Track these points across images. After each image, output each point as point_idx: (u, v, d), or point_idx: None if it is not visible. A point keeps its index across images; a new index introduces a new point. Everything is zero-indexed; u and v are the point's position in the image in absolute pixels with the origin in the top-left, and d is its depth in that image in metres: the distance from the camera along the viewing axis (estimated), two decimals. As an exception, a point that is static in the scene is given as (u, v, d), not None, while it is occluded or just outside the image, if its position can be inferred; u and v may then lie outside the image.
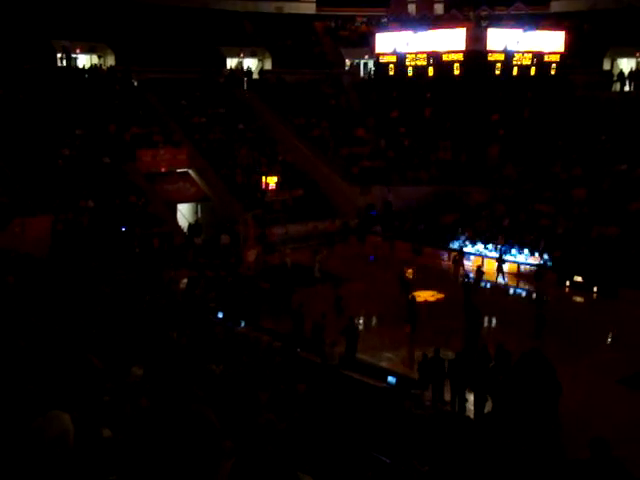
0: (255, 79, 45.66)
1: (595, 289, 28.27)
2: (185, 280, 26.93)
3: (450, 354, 18.64)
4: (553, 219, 33.42)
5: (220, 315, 23.00)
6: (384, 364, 20.50)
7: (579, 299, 28.34)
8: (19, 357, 8.69)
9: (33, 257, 24.98)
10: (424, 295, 27.36)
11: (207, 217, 36.85)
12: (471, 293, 25.21)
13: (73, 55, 41.15)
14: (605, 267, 28.59)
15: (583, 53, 41.84)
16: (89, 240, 29.90)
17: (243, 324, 22.09)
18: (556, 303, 26.13)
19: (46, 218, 29.86)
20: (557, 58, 38.26)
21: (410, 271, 28.14)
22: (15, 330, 11.09)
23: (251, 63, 47.08)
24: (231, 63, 46.35)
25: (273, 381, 14.74)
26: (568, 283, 29.12)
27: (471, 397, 17.66)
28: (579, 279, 28.89)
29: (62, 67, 40.25)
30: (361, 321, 25.14)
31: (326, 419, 12.46)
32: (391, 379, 17.99)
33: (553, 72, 38.34)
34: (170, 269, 28.25)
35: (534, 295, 26.31)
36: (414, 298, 24.15)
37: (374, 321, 26.09)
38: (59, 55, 40.28)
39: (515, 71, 37.48)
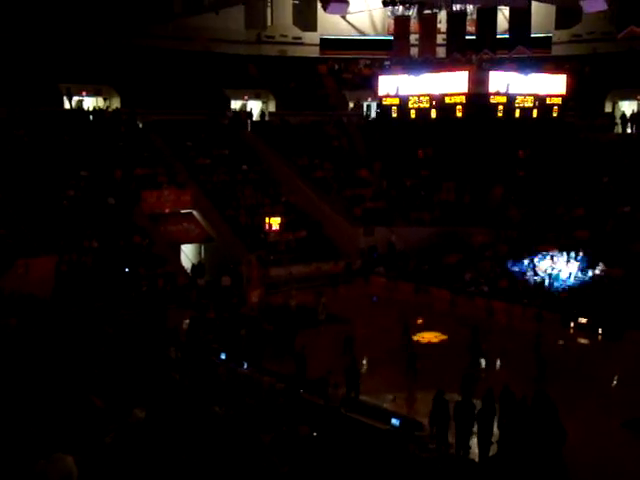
0: (259, 121, 46.14)
1: (600, 330, 28.15)
2: (187, 321, 26.88)
3: (455, 396, 18.50)
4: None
5: (223, 356, 22.96)
6: (387, 406, 20.33)
7: (584, 341, 28.21)
8: (22, 399, 8.73)
9: (36, 298, 25.06)
10: (427, 336, 27.30)
11: (210, 258, 36.94)
12: (479, 335, 25.03)
13: (79, 97, 41.63)
14: (610, 308, 28.53)
15: (584, 96, 42.29)
16: (93, 280, 30.04)
17: (246, 365, 21.98)
18: (560, 344, 26.09)
19: (50, 259, 29.99)
20: (559, 101, 38.55)
21: (419, 321, 28.29)
22: (17, 372, 11.15)
23: (255, 105, 47.61)
24: (235, 105, 46.89)
25: (276, 423, 14.75)
26: (572, 324, 29.02)
27: (475, 440, 17.56)
28: (584, 320, 28.79)
29: (68, 110, 40.72)
30: (364, 362, 25.00)
31: (329, 462, 12.41)
32: (395, 421, 17.90)
33: (555, 114, 38.64)
34: (172, 309, 28.38)
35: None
36: (413, 354, 23.97)
37: (377, 362, 25.88)
38: (65, 98, 40.79)
39: (517, 113, 37.76)
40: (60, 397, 10.06)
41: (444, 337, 27.72)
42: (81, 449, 5.99)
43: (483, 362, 24.40)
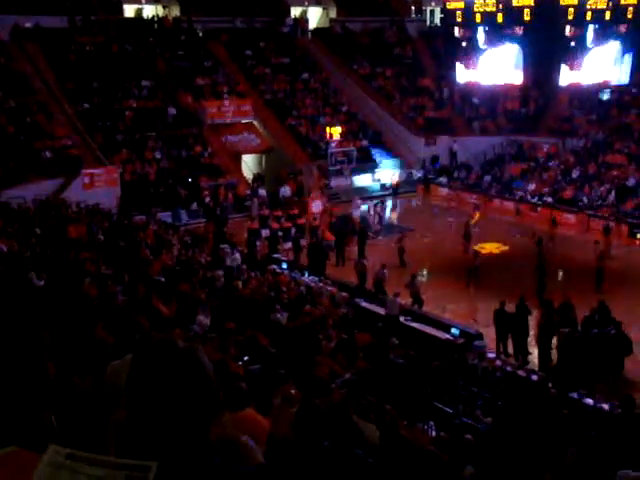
0: (319, 28, 45.26)
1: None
2: (248, 232, 27.19)
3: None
4: (624, 170, 32.59)
5: (284, 266, 23.26)
6: (447, 315, 20.45)
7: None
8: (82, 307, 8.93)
9: (101, 209, 25.59)
10: (489, 247, 27.15)
11: (271, 168, 37.00)
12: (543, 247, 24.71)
13: (138, 6, 41.42)
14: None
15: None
16: (156, 191, 30.54)
17: (307, 275, 22.26)
18: (627, 256, 25.71)
19: (114, 169, 30.47)
20: (634, 1, 36.68)
21: (477, 216, 27.94)
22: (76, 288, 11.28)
23: (315, 12, 46.66)
24: (295, 12, 46.02)
25: (337, 331, 15.00)
26: (640, 236, 28.52)
27: (535, 351, 17.62)
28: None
29: (128, 18, 40.62)
30: (424, 273, 25.07)
31: (389, 370, 12.61)
32: (454, 331, 18.05)
33: (630, 16, 36.84)
34: (233, 219, 28.79)
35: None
36: (477, 253, 24.02)
37: (437, 273, 25.91)
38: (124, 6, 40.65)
39: (589, 16, 36.20)
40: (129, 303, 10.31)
41: (505, 248, 27.53)
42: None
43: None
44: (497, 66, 37.90)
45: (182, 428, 1.84)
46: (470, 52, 39.74)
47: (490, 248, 27.21)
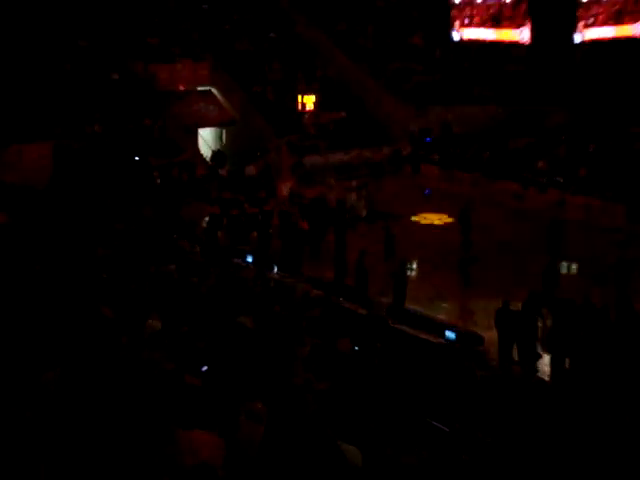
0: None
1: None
2: (207, 218, 27.27)
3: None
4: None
5: (249, 259, 23.29)
6: (441, 316, 20.54)
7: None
8: (22, 307, 8.91)
9: (31, 189, 25.38)
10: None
11: (233, 144, 36.96)
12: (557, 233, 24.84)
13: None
14: None
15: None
16: (96, 170, 30.24)
17: (276, 269, 22.28)
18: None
19: (46, 145, 30.18)
20: None
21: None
22: (14, 277, 11.33)
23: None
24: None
25: (312, 335, 14.97)
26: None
27: (546, 356, 17.70)
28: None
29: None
30: (414, 266, 25.20)
31: (373, 380, 12.62)
32: (450, 334, 18.15)
33: None
34: (189, 204, 28.71)
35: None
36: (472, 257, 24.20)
37: (428, 266, 26.06)
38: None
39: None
40: (64, 306, 10.24)
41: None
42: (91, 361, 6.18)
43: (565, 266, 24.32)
44: (499, 21, 37.99)
45: None
46: (467, 3, 39.76)
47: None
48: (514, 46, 39.96)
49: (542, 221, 26.17)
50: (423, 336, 18.26)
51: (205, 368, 9.54)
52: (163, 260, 19.65)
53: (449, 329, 18.43)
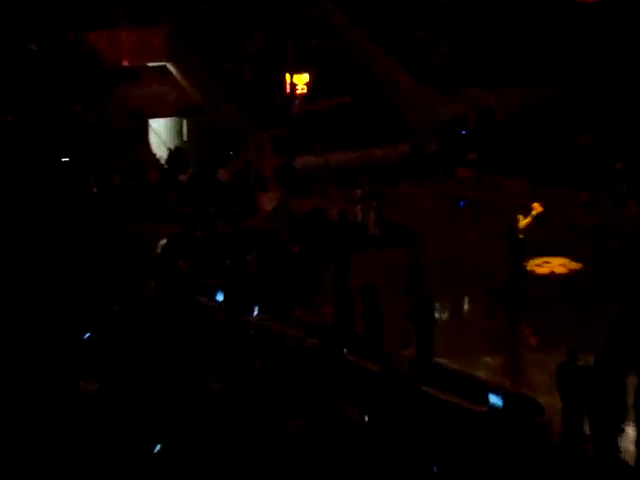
0: None
1: None
2: (162, 242, 27.30)
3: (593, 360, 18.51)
4: None
5: (220, 297, 23.35)
6: (482, 374, 20.49)
7: None
8: None
9: None
10: (551, 265, 27.27)
11: (197, 140, 37.17)
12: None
13: None
14: None
15: None
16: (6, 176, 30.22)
17: (257, 311, 22.35)
18: None
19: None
20: None
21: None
22: None
23: None
24: None
25: (306, 402, 14.93)
26: None
27: (630, 431, 17.56)
28: None
29: None
30: (444, 304, 25.33)
31: (388, 461, 12.59)
32: (495, 399, 18.11)
33: None
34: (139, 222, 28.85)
35: None
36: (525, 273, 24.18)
37: (465, 305, 26.19)
38: None
39: None
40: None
41: (576, 266, 27.63)
42: None
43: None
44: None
45: None
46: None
47: (552, 266, 27.40)
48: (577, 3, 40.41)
49: (620, 242, 26.14)
50: (458, 402, 18.27)
51: (158, 448, 9.58)
52: (102, 300, 19.75)
53: (494, 392, 18.35)
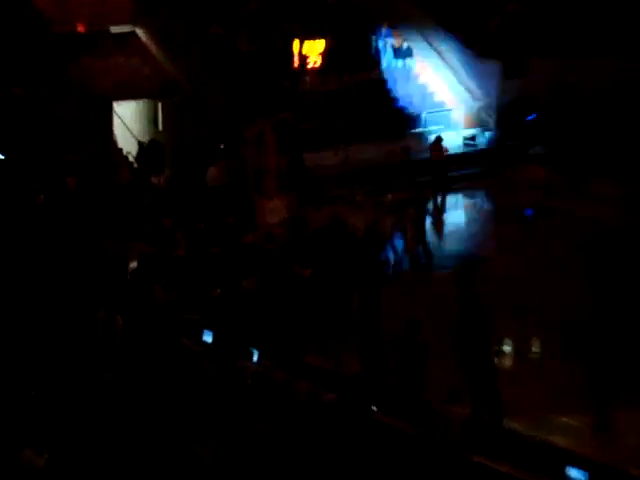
0: None
1: None
2: (133, 264, 27.32)
3: None
4: None
5: (208, 337, 23.12)
6: (558, 440, 20.03)
7: None
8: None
9: None
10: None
11: (176, 131, 37.10)
12: None
13: None
14: None
15: None
16: None
17: (257, 356, 22.07)
18: None
19: None
20: None
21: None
22: None
23: None
24: None
25: (322, 474, 14.63)
26: None
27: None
28: None
29: None
30: (507, 348, 24.93)
31: None
32: (576, 473, 17.77)
33: None
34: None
35: None
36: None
37: (534, 347, 25.99)
38: None
39: None
40: None
41: None
42: None
43: None
44: None
45: None
46: None
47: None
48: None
49: None
50: (527, 478, 18.22)
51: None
52: (53, 343, 20.02)
53: (575, 464, 18.10)
